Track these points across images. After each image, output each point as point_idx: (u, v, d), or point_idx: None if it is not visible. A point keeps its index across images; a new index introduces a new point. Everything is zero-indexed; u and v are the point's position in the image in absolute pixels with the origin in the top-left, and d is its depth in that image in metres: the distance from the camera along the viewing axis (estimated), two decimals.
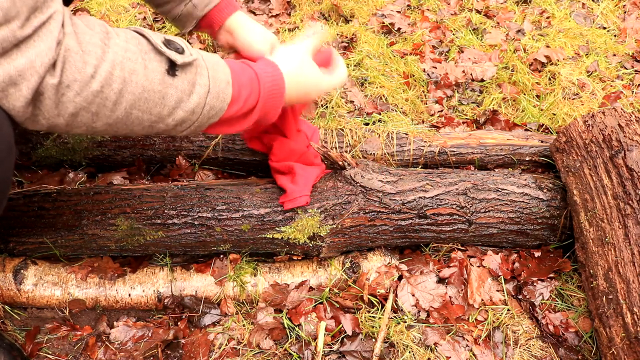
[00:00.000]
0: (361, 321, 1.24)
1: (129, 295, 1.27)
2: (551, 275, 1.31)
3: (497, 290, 1.31)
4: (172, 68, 0.77)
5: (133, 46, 0.74)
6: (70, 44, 0.67)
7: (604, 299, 1.12)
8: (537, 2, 2.43)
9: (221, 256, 1.33)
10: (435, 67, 2.01)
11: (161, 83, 0.76)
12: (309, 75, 1.03)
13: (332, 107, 1.79)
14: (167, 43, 0.78)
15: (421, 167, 1.55)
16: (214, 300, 1.29)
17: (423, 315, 1.27)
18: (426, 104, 1.87)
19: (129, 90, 0.72)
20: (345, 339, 1.21)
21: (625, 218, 1.13)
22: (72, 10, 2.28)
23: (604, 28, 2.31)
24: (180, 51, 0.78)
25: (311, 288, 1.30)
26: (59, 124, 0.71)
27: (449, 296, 1.30)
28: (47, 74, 0.64)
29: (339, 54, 1.15)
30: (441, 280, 1.33)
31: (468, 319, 1.26)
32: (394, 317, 1.25)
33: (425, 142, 1.54)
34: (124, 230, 1.23)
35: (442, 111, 1.84)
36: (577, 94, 1.89)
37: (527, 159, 1.54)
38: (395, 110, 1.80)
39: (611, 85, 1.94)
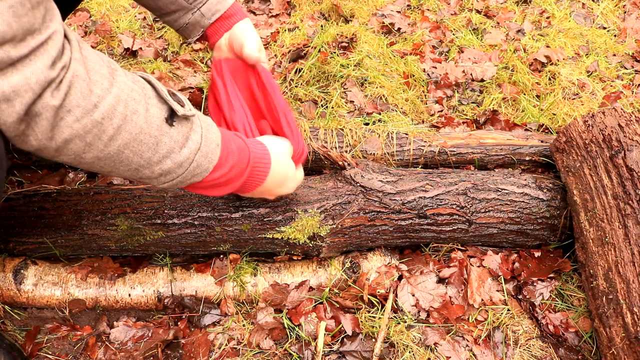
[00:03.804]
0: (361, 321, 1.24)
1: (129, 295, 1.27)
2: (551, 275, 1.31)
3: (497, 290, 1.31)
4: (171, 118, 0.79)
5: (138, 88, 0.75)
6: (78, 69, 0.67)
7: (604, 299, 1.12)
8: (537, 2, 2.43)
9: (221, 256, 1.33)
10: (435, 67, 2.01)
11: (158, 129, 0.77)
12: (289, 170, 1.07)
13: (332, 107, 1.79)
14: (171, 94, 0.80)
15: (421, 167, 1.55)
16: (214, 300, 1.29)
17: (423, 315, 1.27)
18: (426, 104, 1.87)
19: (127, 128, 0.73)
20: (345, 339, 1.21)
21: (625, 218, 1.13)
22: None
23: (604, 28, 2.31)
24: (182, 104, 0.81)
25: (311, 288, 1.30)
26: (49, 147, 0.70)
27: (449, 296, 1.30)
28: (48, 94, 0.64)
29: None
30: (441, 280, 1.33)
31: (468, 319, 1.26)
32: (394, 317, 1.25)
33: (425, 142, 1.54)
34: (124, 230, 1.23)
35: (442, 111, 1.84)
36: (577, 94, 1.89)
37: (527, 159, 1.54)
38: (395, 110, 1.80)
39: (611, 85, 1.94)
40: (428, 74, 1.99)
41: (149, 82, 0.79)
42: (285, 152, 1.06)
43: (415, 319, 1.26)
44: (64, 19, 1.36)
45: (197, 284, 1.29)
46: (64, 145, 0.69)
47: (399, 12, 2.35)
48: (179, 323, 1.25)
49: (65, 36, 0.68)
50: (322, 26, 2.23)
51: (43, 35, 0.62)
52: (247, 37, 1.16)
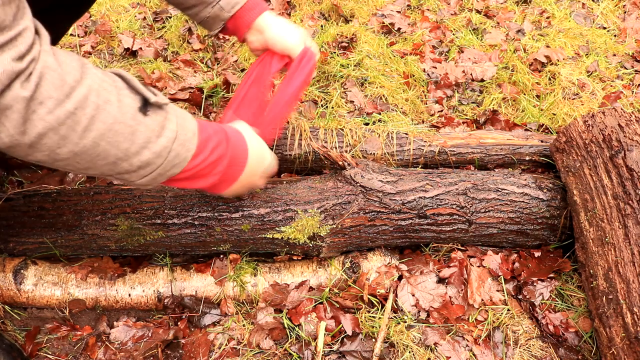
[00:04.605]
0: (361, 321, 1.24)
1: (129, 295, 1.27)
2: (551, 275, 1.31)
3: (497, 290, 1.31)
4: (145, 107, 0.78)
5: (109, 79, 0.75)
6: (48, 60, 0.66)
7: (604, 299, 1.12)
8: (537, 2, 2.43)
9: (221, 256, 1.33)
10: (435, 67, 2.01)
11: (133, 119, 0.76)
12: (264, 148, 1.06)
13: (332, 107, 1.79)
14: (143, 85, 0.80)
15: (421, 167, 1.55)
16: (214, 300, 1.29)
17: (423, 315, 1.27)
18: (426, 104, 1.87)
19: (101, 118, 0.72)
20: (345, 339, 1.21)
21: (625, 218, 1.13)
22: None
23: (604, 28, 2.31)
24: (154, 94, 0.80)
25: (311, 288, 1.30)
26: (22, 143, 0.68)
27: (449, 296, 1.30)
28: (17, 86, 0.63)
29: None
30: (441, 280, 1.33)
31: (468, 319, 1.26)
32: (394, 317, 1.25)
33: (425, 142, 1.54)
34: (124, 230, 1.23)
35: (442, 111, 1.84)
36: (577, 94, 1.89)
37: (527, 158, 1.54)
38: (395, 110, 1.80)
39: (611, 85, 1.94)
40: (428, 74, 1.99)
41: (120, 75, 0.79)
42: (254, 133, 1.05)
43: (415, 319, 1.26)
44: (72, 24, 1.39)
45: (197, 284, 1.29)
46: (38, 140, 0.68)
47: (399, 12, 2.35)
48: (179, 323, 1.25)
49: (36, 32, 0.67)
50: (322, 26, 2.23)
51: (12, 31, 0.62)
52: (284, 33, 1.19)
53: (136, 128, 0.76)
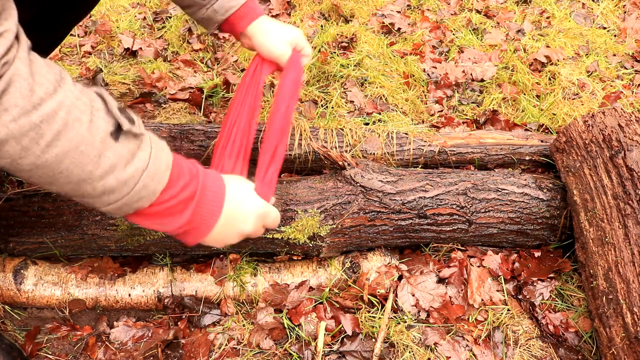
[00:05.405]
0: (361, 321, 1.24)
1: (129, 295, 1.27)
2: (551, 275, 1.31)
3: (497, 290, 1.31)
4: (117, 133, 0.75)
5: (85, 98, 0.73)
6: (20, 68, 0.65)
7: (604, 299, 1.12)
8: (537, 2, 2.43)
9: (221, 256, 1.33)
10: (435, 67, 2.01)
11: (102, 142, 0.73)
12: (254, 201, 0.96)
13: (332, 107, 1.79)
14: (121, 110, 0.77)
15: (421, 167, 1.55)
16: (214, 300, 1.29)
17: (423, 315, 1.27)
18: (426, 104, 1.87)
19: (67, 136, 0.69)
20: (345, 339, 1.21)
21: (625, 218, 1.13)
22: None
23: (604, 28, 2.31)
24: (131, 122, 0.77)
25: (311, 288, 1.30)
26: None
27: (449, 296, 1.30)
28: None
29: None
30: (441, 280, 1.33)
31: (468, 319, 1.26)
32: (394, 317, 1.25)
33: (425, 141, 1.54)
34: (124, 230, 1.23)
35: (442, 111, 1.84)
36: (577, 94, 1.89)
37: (527, 158, 1.54)
38: (395, 110, 1.80)
39: (611, 85, 1.94)
40: (428, 74, 1.99)
41: (101, 96, 0.76)
42: (247, 193, 0.95)
43: (415, 319, 1.26)
44: (73, 27, 1.39)
45: (197, 284, 1.29)
46: None
47: (399, 12, 2.35)
48: (179, 323, 1.25)
49: (17, 37, 0.66)
50: (322, 26, 2.23)
51: None
52: (270, 42, 1.20)
53: (103, 152, 0.73)
